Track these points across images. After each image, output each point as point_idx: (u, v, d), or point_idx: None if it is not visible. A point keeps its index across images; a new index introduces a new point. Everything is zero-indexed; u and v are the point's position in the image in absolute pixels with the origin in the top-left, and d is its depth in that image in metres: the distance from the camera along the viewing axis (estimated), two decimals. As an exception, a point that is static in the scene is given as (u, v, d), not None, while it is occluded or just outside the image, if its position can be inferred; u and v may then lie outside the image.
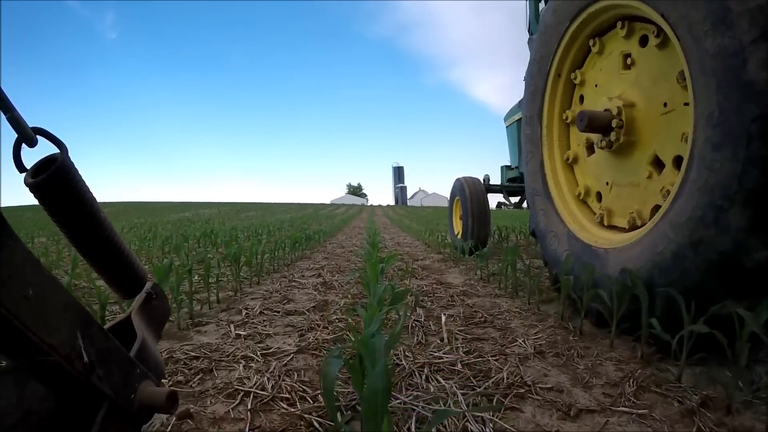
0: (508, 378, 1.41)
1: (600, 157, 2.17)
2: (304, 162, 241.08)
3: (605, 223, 2.11)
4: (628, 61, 2.00)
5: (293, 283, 3.11)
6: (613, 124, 1.93)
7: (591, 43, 2.23)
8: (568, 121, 2.46)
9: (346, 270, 3.74)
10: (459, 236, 5.12)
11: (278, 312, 2.23)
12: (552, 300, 2.55)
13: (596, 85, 2.26)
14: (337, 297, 2.61)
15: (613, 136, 1.96)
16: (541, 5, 4.41)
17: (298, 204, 40.45)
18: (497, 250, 5.16)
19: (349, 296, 2.61)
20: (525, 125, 2.72)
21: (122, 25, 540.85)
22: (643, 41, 1.90)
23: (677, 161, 1.70)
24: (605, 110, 1.98)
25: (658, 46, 1.79)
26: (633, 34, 1.96)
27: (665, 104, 1.76)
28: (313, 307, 2.32)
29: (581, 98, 2.39)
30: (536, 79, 2.57)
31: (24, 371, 0.52)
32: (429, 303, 2.46)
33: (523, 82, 2.84)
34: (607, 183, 2.12)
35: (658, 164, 1.82)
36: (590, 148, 2.27)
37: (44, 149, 0.57)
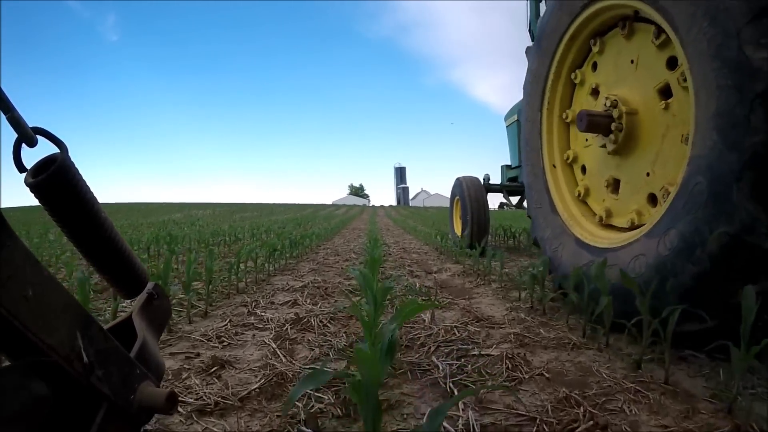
0: None
1: (629, 172, 2.04)
2: (306, 163, 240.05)
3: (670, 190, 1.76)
4: (594, 87, 2.28)
5: (251, 319, 2.04)
6: (606, 104, 2.02)
7: (564, 116, 2.51)
8: (582, 197, 2.41)
9: (335, 293, 2.66)
10: (459, 235, 5.09)
11: (185, 405, 1.14)
12: (679, 358, 1.46)
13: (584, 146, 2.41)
14: (308, 355, 1.52)
15: (615, 113, 1.98)
16: (542, 5, 4.38)
17: (298, 205, 39.37)
18: (509, 251, 4.07)
19: (331, 353, 1.53)
20: (542, 228, 2.55)
21: (123, 27, 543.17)
22: (594, 66, 2.29)
23: (671, 63, 1.76)
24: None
25: (599, 53, 2.21)
26: (584, 78, 2.36)
27: (632, 61, 2.00)
28: (257, 390, 1.23)
29: (583, 169, 2.44)
30: (534, 180, 2.67)
31: (23, 371, 0.49)
32: (473, 375, 1.37)
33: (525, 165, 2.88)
34: (648, 173, 1.92)
35: (665, 92, 1.83)
36: (615, 188, 2.15)
37: (44, 149, 0.56)
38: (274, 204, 39.09)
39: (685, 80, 1.61)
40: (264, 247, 3.44)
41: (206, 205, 30.66)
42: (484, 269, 3.35)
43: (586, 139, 2.34)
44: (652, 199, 1.91)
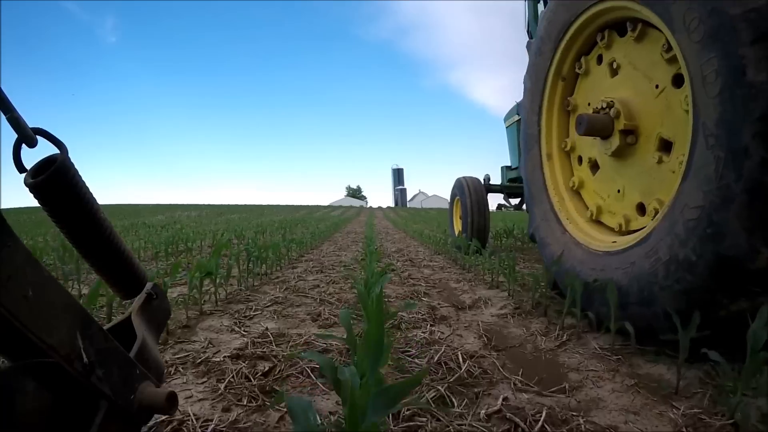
0: None
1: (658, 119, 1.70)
2: (303, 165, 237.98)
3: None
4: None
5: None
6: (609, 112, 1.83)
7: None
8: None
9: (291, 378, 1.28)
10: (459, 235, 4.97)
11: None
12: None
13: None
14: None
15: (612, 112, 1.82)
16: (540, 6, 4.26)
17: (292, 206, 37.90)
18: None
19: None
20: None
21: (122, 29, 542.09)
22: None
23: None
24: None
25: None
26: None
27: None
28: None
29: (641, 209, 1.92)
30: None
31: (23, 371, 0.49)
32: None
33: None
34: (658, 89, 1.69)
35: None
36: (665, 148, 1.70)
37: (44, 150, 0.56)
38: (266, 205, 37.53)
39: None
40: (199, 270, 2.05)
41: (195, 207, 29.05)
42: (556, 306, 1.99)
43: (618, 191, 1.92)
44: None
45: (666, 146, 1.63)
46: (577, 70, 2.18)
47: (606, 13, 1.84)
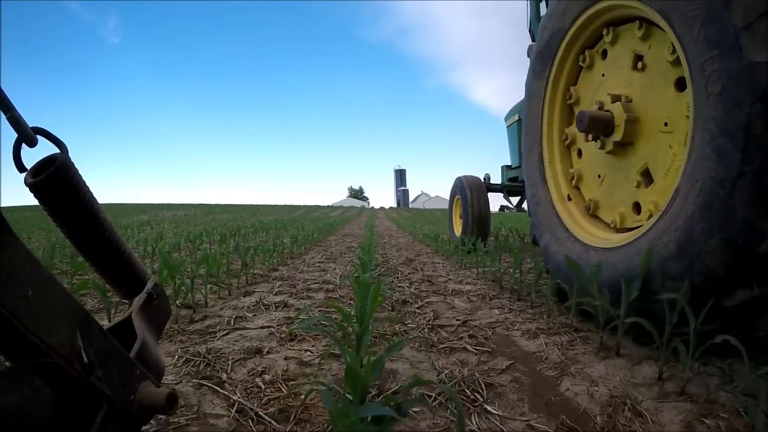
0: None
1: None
2: (306, 166, 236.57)
3: None
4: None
5: None
6: (611, 114, 1.86)
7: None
8: None
9: None
10: (458, 235, 4.95)
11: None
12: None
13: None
14: None
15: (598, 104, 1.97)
16: (542, 6, 4.19)
17: (288, 206, 36.49)
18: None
19: None
20: None
21: (124, 29, 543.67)
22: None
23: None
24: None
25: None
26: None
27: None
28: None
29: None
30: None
31: (23, 371, 0.49)
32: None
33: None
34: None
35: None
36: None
37: (44, 149, 0.53)
38: (261, 205, 36.11)
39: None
40: None
41: (185, 206, 27.52)
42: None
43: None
44: None
45: (638, 58, 1.78)
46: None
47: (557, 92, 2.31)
